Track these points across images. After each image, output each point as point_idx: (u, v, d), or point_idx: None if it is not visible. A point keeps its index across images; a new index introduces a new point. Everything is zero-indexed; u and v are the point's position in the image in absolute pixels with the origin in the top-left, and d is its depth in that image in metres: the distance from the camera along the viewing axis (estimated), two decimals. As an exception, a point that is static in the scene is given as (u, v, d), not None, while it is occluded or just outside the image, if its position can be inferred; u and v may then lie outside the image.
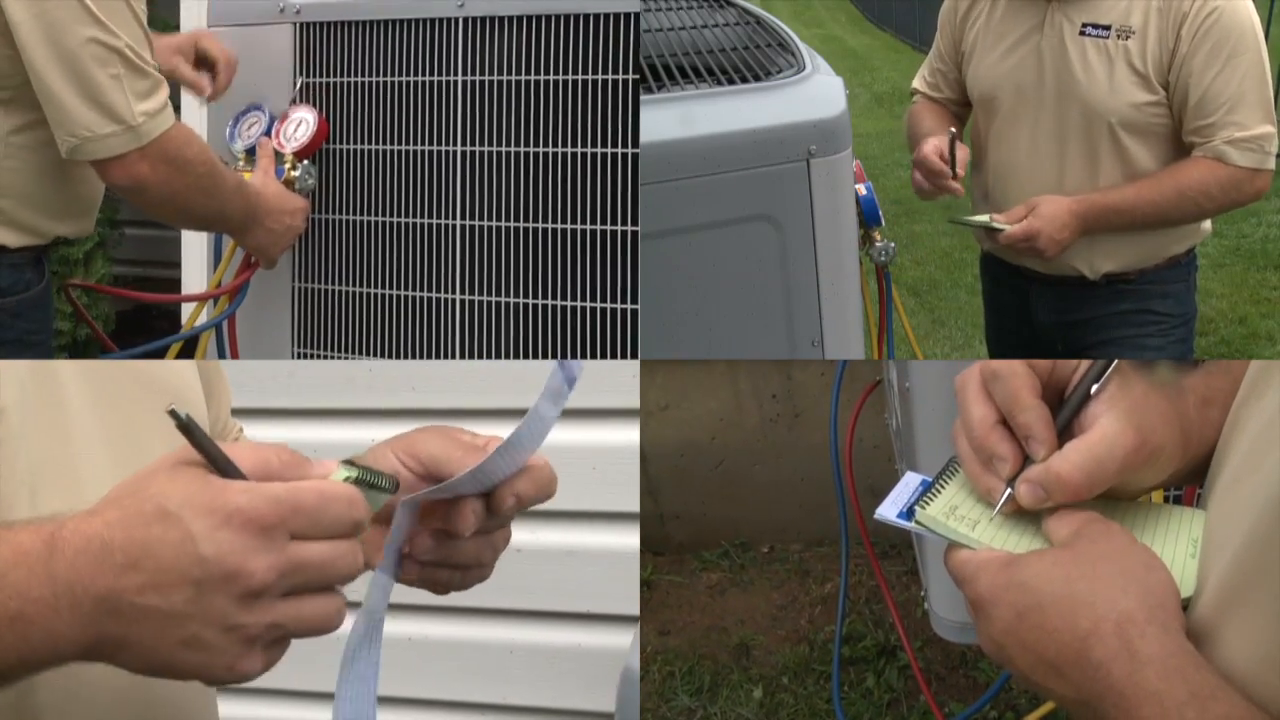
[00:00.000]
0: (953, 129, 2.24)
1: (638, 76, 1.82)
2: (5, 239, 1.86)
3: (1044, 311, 2.35)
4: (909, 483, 1.00)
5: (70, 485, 1.01)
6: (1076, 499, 0.90)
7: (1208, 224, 2.27)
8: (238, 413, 1.41)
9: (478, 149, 1.99)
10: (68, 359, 3.15)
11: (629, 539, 2.62)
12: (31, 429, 1.00)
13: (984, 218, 2.20)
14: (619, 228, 1.86)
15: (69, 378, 1.04)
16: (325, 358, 2.19)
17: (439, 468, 1.02)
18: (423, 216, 2.06)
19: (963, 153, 2.21)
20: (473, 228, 2.01)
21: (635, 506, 2.61)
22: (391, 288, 2.11)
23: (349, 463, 0.92)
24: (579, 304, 1.92)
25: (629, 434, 2.58)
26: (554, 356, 1.97)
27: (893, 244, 2.13)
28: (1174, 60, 2.06)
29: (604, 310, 1.90)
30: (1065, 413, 0.93)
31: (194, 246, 2.26)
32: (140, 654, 0.85)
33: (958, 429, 0.96)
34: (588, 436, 2.56)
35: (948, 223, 2.28)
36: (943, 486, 0.98)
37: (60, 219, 1.93)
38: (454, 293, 2.03)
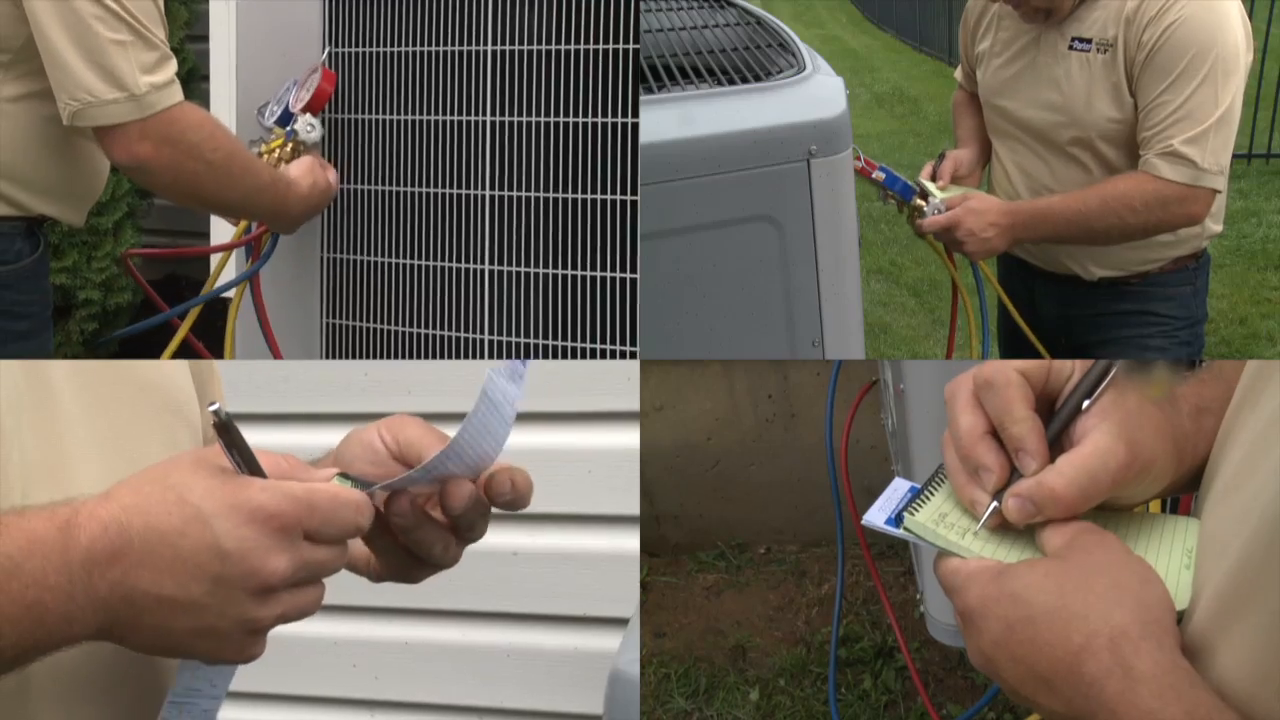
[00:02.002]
0: (945, 148, 2.33)
1: (638, 46, 1.83)
2: None
3: (1047, 305, 2.37)
4: (897, 489, 0.97)
5: (62, 490, 0.99)
6: (1068, 515, 0.88)
7: (1215, 226, 2.25)
8: (236, 418, 1.39)
9: (508, 119, 1.99)
10: (95, 329, 3.15)
11: (627, 542, 2.61)
12: (24, 432, 0.99)
13: (927, 184, 2.22)
14: (626, 197, 1.87)
15: (61, 380, 1.03)
16: (354, 327, 2.19)
17: (412, 453, 1.02)
18: (451, 187, 2.06)
19: (947, 163, 2.26)
20: (502, 198, 2.01)
21: (634, 510, 2.60)
22: (420, 258, 2.11)
23: (344, 476, 0.95)
24: (604, 274, 1.92)
25: (627, 437, 2.58)
26: (575, 326, 1.97)
27: (943, 201, 2.11)
28: (1134, 69, 2.04)
29: (618, 280, 1.90)
30: (1056, 425, 0.91)
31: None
32: (151, 639, 0.87)
33: (947, 439, 0.94)
34: (585, 440, 2.55)
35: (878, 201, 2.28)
36: (932, 493, 0.96)
37: (45, 197, 1.90)
38: (483, 263, 2.04)
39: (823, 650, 3.32)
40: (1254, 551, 0.77)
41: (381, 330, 2.18)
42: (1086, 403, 0.90)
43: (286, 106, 2.14)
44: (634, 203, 1.87)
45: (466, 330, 2.09)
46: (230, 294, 2.28)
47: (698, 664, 3.33)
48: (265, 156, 2.12)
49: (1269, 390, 0.83)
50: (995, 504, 0.90)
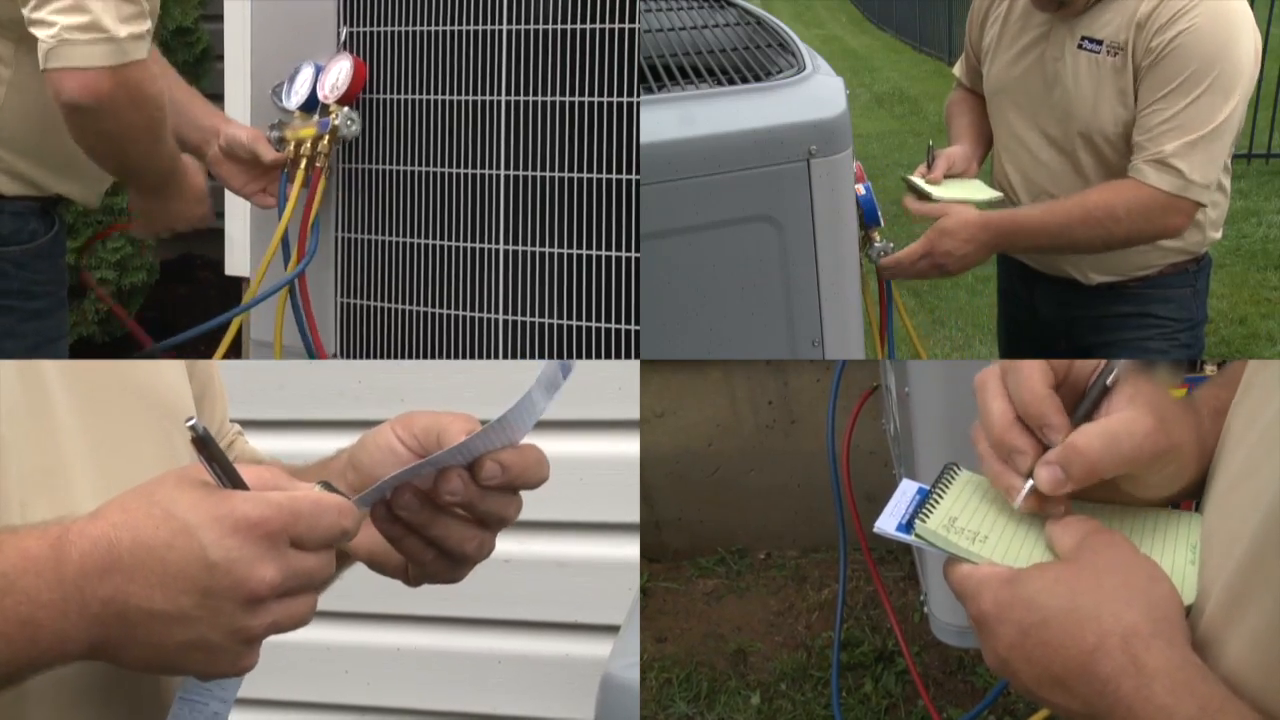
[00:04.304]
0: (930, 143, 2.30)
1: (635, 26, 1.82)
2: (1, 186, 1.84)
3: (1047, 307, 2.36)
4: (905, 491, 0.99)
5: (61, 497, 1.00)
6: (1094, 475, 0.90)
7: (1214, 234, 2.23)
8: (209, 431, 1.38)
9: (523, 98, 1.98)
10: (118, 307, 3.14)
11: (620, 549, 2.60)
12: (21, 440, 0.99)
13: (919, 181, 2.19)
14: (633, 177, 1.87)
15: (57, 386, 1.04)
16: (368, 306, 2.18)
17: (431, 438, 1.03)
18: (467, 167, 2.05)
19: (940, 162, 2.24)
20: (518, 178, 2.00)
21: (628, 517, 2.59)
22: (434, 238, 2.10)
23: (326, 484, 0.96)
24: (614, 254, 1.91)
25: (620, 445, 2.57)
26: (590, 307, 1.96)
27: (891, 244, 2.12)
28: (1139, 74, 2.03)
29: (627, 260, 1.89)
30: (1085, 405, 0.93)
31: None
32: (143, 654, 0.87)
33: (978, 429, 0.95)
34: (577, 447, 2.54)
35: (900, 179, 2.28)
36: (940, 495, 0.97)
37: (60, 175, 1.90)
38: (498, 243, 2.03)
39: (823, 655, 3.31)
40: (1263, 544, 0.78)
41: (396, 310, 2.17)
42: (1111, 378, 0.92)
43: (313, 93, 2.11)
44: (637, 182, 1.86)
45: (481, 310, 2.08)
46: (257, 287, 2.24)
47: (699, 669, 3.32)
48: (291, 144, 2.10)
49: (1271, 387, 0.84)
50: (1030, 483, 0.91)
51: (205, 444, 0.89)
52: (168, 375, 1.17)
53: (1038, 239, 2.11)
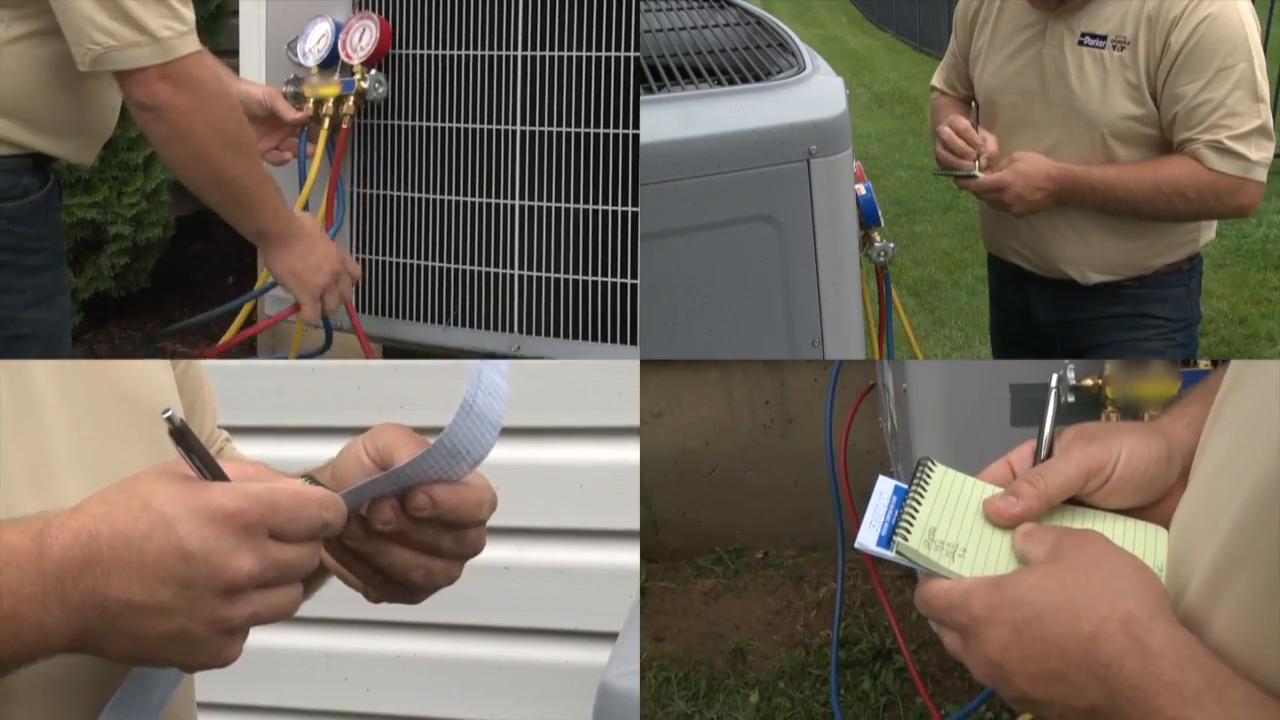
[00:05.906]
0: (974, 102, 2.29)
1: None
2: None
3: (1042, 310, 2.36)
4: (882, 493, 0.98)
5: (47, 498, 1.00)
6: (1031, 463, 0.99)
7: (1210, 232, 2.24)
8: (225, 430, 1.39)
9: (538, 54, 1.98)
10: (126, 263, 3.12)
11: (620, 556, 2.59)
12: (8, 441, 0.99)
13: (969, 165, 2.19)
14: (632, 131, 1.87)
15: (45, 388, 1.04)
16: (383, 262, 2.20)
17: (390, 455, 1.03)
18: (481, 122, 2.05)
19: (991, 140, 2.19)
20: (533, 134, 1.99)
21: (628, 524, 2.58)
22: (449, 193, 2.10)
23: (308, 476, 0.96)
24: (620, 209, 1.92)
25: (619, 451, 2.56)
26: (591, 261, 1.96)
27: (892, 244, 2.12)
28: (1160, 70, 2.04)
29: (619, 214, 1.89)
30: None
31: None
32: (126, 646, 0.87)
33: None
34: (577, 454, 2.53)
35: (933, 174, 2.25)
36: (918, 499, 0.97)
37: (50, 136, 1.88)
38: (513, 198, 2.03)
39: (821, 653, 3.31)
40: (1247, 520, 0.79)
41: (411, 265, 2.17)
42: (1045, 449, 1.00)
43: (333, 51, 2.10)
44: (637, 136, 1.87)
45: (495, 265, 2.08)
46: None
47: (697, 668, 3.32)
48: (310, 101, 2.08)
49: (1256, 380, 0.85)
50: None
51: (183, 435, 0.89)
52: (156, 378, 1.17)
53: (1106, 201, 2.13)
